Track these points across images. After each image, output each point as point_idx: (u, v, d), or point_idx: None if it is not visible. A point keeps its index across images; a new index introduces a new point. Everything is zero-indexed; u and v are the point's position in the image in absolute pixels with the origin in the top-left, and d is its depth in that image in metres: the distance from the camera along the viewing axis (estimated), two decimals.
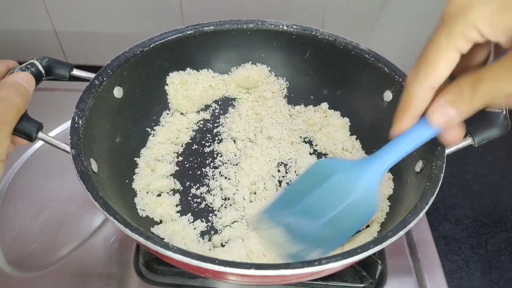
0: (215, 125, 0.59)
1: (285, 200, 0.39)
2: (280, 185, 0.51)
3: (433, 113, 0.29)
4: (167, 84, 0.57)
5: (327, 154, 0.55)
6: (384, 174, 0.34)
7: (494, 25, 0.24)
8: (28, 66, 0.42)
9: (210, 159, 0.55)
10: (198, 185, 0.52)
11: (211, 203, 0.50)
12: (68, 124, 0.48)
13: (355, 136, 0.57)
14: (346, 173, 0.34)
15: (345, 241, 0.39)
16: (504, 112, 0.43)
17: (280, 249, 0.38)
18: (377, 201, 0.33)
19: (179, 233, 0.45)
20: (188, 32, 0.54)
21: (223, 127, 0.58)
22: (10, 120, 0.36)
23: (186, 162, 0.54)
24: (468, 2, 0.25)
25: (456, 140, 0.30)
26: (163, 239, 0.45)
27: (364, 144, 0.56)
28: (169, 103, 0.58)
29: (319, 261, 0.33)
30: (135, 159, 0.53)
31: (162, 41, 0.53)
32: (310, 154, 0.55)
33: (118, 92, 0.50)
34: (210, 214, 0.49)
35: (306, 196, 0.36)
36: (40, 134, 0.39)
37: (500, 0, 0.24)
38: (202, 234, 0.47)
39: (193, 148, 0.56)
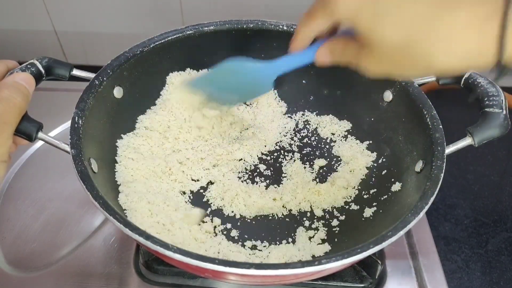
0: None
1: (204, 80, 0.52)
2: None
3: (320, 51, 0.39)
4: (167, 84, 0.57)
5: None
6: (277, 74, 0.45)
7: (348, 19, 0.33)
8: (28, 66, 0.42)
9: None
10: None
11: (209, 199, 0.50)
12: (68, 124, 0.48)
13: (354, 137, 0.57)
14: (252, 70, 0.46)
15: (246, 100, 0.59)
16: (504, 112, 0.43)
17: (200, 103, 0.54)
18: (270, 87, 0.47)
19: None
20: (188, 32, 0.54)
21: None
22: (11, 120, 0.36)
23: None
24: None
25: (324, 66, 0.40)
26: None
27: (363, 144, 0.56)
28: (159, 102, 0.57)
29: (319, 261, 0.33)
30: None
31: (162, 41, 0.53)
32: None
33: (118, 92, 0.50)
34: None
35: (221, 81, 0.49)
36: (40, 134, 0.39)
37: (358, 6, 0.32)
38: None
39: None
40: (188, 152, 0.54)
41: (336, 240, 0.48)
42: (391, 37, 0.31)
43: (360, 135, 0.57)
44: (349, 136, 0.58)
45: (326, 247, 0.46)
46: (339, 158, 0.57)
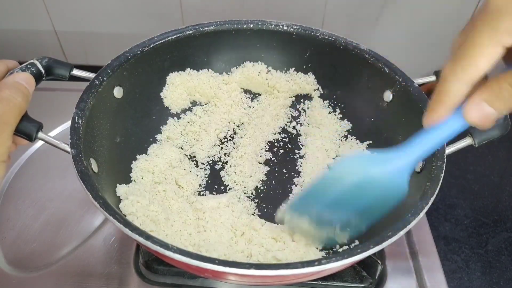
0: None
1: (312, 195, 0.39)
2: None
3: (470, 110, 0.29)
4: (167, 84, 0.57)
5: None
6: (414, 167, 0.35)
7: None
8: (28, 66, 0.42)
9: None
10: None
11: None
12: (68, 124, 0.48)
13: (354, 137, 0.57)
14: (376, 168, 0.34)
15: (374, 220, 0.39)
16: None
17: (307, 237, 0.41)
18: (406, 189, 0.34)
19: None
20: (188, 32, 0.54)
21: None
22: (11, 120, 0.36)
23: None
24: None
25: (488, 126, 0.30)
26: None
27: (363, 144, 0.56)
28: (163, 100, 0.58)
29: (319, 261, 0.33)
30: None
31: (162, 41, 0.53)
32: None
33: (118, 92, 0.50)
34: None
35: (334, 191, 0.36)
36: (40, 134, 0.39)
37: None
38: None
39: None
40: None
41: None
42: None
43: (360, 135, 0.57)
44: (349, 136, 0.58)
45: None
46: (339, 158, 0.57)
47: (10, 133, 0.36)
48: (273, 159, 0.57)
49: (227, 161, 0.55)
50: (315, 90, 0.61)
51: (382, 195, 0.35)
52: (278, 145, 0.58)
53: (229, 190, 0.52)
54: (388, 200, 0.36)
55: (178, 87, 0.58)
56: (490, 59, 0.26)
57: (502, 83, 0.27)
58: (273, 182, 0.54)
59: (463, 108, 0.29)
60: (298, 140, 0.59)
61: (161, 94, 0.57)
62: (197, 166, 0.55)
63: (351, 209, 0.37)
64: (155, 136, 0.56)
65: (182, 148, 0.56)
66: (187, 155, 0.55)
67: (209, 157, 0.56)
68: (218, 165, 0.55)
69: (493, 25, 0.25)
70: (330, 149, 0.56)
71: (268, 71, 0.60)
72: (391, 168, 0.34)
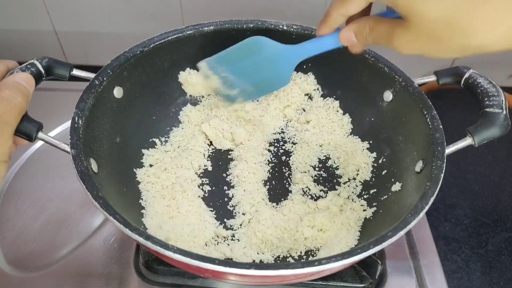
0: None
1: (222, 59, 0.48)
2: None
3: (342, 34, 0.40)
4: (182, 84, 0.58)
5: None
6: (300, 59, 0.45)
7: None
8: (28, 66, 0.42)
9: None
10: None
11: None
12: (68, 124, 0.48)
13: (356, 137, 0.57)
14: (274, 51, 0.45)
15: (263, 95, 0.54)
16: (504, 112, 0.43)
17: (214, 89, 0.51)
18: (289, 76, 0.46)
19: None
20: (188, 32, 0.54)
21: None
22: (12, 120, 0.36)
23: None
24: None
25: (356, 52, 0.40)
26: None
27: (364, 143, 0.56)
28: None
29: (319, 261, 0.33)
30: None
31: (162, 41, 0.53)
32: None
33: (118, 92, 0.50)
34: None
35: (240, 61, 0.47)
36: (40, 134, 0.39)
37: None
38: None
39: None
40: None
41: None
42: (432, 11, 0.30)
43: (360, 135, 0.57)
44: (349, 136, 0.58)
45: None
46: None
47: (11, 133, 0.36)
48: (273, 159, 0.57)
49: (228, 161, 0.55)
50: (315, 90, 0.61)
51: (272, 77, 0.46)
52: (278, 145, 0.58)
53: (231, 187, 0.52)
54: (276, 82, 0.48)
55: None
56: (358, 6, 0.36)
57: (365, 25, 0.37)
58: (273, 182, 0.54)
59: (340, 31, 0.39)
60: (298, 139, 0.59)
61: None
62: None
63: (249, 80, 0.47)
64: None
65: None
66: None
67: (208, 156, 0.56)
68: (218, 165, 0.55)
69: None
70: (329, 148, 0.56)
71: None
72: (284, 53, 0.44)
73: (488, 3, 0.29)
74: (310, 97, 0.61)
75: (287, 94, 0.61)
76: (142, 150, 0.54)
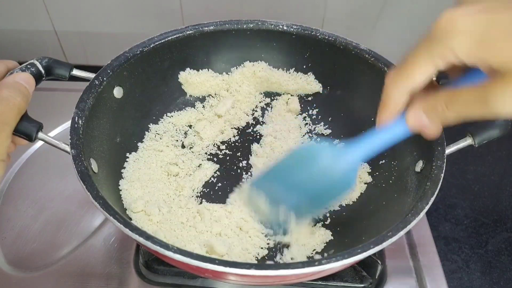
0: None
1: (271, 176, 0.43)
2: None
3: (409, 116, 0.34)
4: (182, 84, 0.58)
5: None
6: (364, 160, 0.40)
7: (471, 54, 0.28)
8: (28, 66, 0.42)
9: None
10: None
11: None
12: (68, 124, 0.48)
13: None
14: (329, 158, 0.38)
15: (320, 208, 0.44)
16: None
17: (259, 213, 0.43)
18: (353, 183, 0.39)
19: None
20: (188, 32, 0.54)
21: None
22: (11, 120, 0.36)
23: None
24: (452, 28, 0.28)
25: (432, 137, 0.35)
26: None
27: None
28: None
29: (319, 261, 0.33)
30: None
31: (162, 41, 0.53)
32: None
33: (118, 92, 0.50)
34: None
35: (291, 175, 0.40)
36: (40, 134, 0.39)
37: (479, 32, 0.27)
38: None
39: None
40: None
41: (336, 240, 0.48)
42: None
43: (360, 135, 0.57)
44: (349, 136, 0.58)
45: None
46: None
47: (9, 133, 0.36)
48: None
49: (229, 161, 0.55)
50: (315, 90, 0.60)
51: (332, 184, 0.39)
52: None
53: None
54: (337, 190, 0.40)
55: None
56: (424, 75, 0.31)
57: (438, 99, 0.31)
58: None
59: (406, 114, 0.33)
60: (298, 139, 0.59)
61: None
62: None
63: (303, 193, 0.40)
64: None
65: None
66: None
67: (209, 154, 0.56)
68: (220, 165, 0.55)
69: (429, 47, 0.29)
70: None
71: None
72: (343, 161, 0.37)
73: None
74: (310, 97, 0.61)
75: (288, 95, 0.61)
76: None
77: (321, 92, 0.60)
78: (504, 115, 0.28)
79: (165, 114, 0.58)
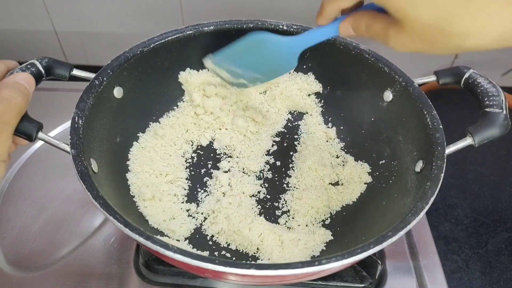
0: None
1: (227, 56, 0.49)
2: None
3: (341, 27, 0.41)
4: (182, 84, 0.58)
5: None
6: (303, 48, 0.46)
7: None
8: (28, 66, 0.42)
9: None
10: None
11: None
12: (68, 124, 0.48)
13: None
14: (277, 45, 0.46)
15: (271, 79, 0.53)
16: (504, 112, 0.43)
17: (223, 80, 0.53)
18: (295, 62, 0.47)
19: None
20: (188, 32, 0.54)
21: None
22: (11, 120, 0.36)
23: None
24: None
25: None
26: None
27: (364, 144, 0.56)
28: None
29: (319, 261, 0.33)
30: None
31: (162, 41, 0.53)
32: None
33: (118, 92, 0.50)
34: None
35: (244, 57, 0.48)
36: (40, 134, 0.39)
37: None
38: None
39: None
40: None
41: (336, 240, 0.48)
42: (424, 16, 0.31)
43: (360, 135, 0.57)
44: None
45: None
46: None
47: (10, 133, 0.36)
48: (273, 159, 0.57)
49: (229, 161, 0.55)
50: (315, 90, 0.60)
51: (279, 65, 0.48)
52: (278, 145, 0.58)
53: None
54: (283, 68, 0.50)
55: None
56: (348, 2, 0.38)
57: (361, 21, 0.38)
58: (273, 180, 0.54)
59: (340, 24, 0.41)
60: (297, 139, 0.59)
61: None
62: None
63: (256, 70, 0.49)
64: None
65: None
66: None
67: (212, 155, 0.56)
68: (219, 164, 0.55)
69: None
70: (329, 148, 0.56)
71: None
72: (287, 45, 0.46)
73: (480, 6, 0.29)
74: (310, 97, 0.61)
75: (288, 95, 0.61)
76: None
77: (321, 92, 0.61)
78: (401, 51, 0.35)
79: (165, 114, 0.58)
